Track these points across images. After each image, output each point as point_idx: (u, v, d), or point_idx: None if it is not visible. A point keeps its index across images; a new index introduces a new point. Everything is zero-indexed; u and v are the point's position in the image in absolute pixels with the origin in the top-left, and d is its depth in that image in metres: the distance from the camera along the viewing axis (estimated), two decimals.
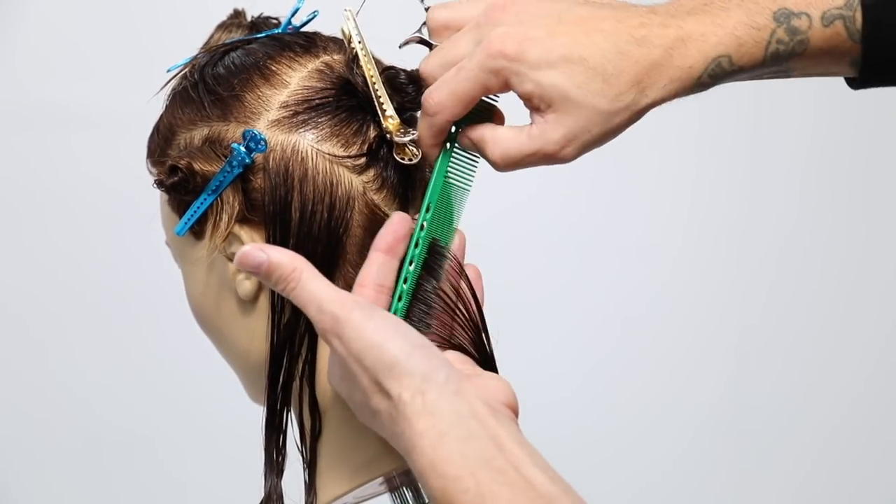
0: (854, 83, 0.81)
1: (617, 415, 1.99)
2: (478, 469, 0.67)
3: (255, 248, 0.74)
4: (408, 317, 0.79)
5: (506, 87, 0.76)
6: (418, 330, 0.75)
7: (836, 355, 2.03)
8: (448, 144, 0.81)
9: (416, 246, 0.80)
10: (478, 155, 0.81)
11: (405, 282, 0.79)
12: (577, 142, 0.75)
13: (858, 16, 0.75)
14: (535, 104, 0.76)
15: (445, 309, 0.79)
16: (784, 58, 0.76)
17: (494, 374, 0.76)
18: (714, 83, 0.77)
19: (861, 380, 2.02)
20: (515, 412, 0.73)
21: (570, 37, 0.75)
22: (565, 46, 0.74)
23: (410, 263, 0.79)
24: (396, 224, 0.80)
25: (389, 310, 0.78)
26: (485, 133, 0.79)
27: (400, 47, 0.83)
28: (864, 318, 2.03)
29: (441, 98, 0.77)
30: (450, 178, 0.81)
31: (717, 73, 0.76)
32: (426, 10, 0.83)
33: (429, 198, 0.80)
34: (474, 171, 0.82)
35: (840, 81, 0.83)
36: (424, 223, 0.80)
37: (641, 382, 1.98)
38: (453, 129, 0.81)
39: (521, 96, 0.77)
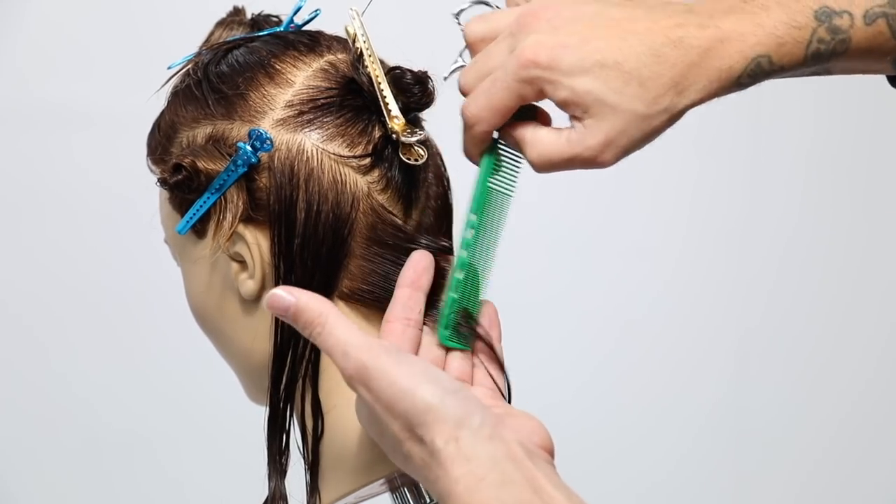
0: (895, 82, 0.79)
1: (618, 417, 1.98)
2: None
3: (283, 290, 0.71)
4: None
5: (541, 95, 0.74)
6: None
7: (837, 357, 2.02)
8: (490, 150, 0.79)
9: (461, 271, 0.78)
10: (520, 158, 0.79)
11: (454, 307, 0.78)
12: (616, 146, 0.73)
13: None
14: (572, 111, 0.74)
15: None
16: (825, 57, 0.74)
17: (527, 414, 0.74)
18: (753, 82, 0.74)
19: (862, 381, 2.02)
20: (551, 453, 0.71)
21: (605, 41, 0.72)
22: (599, 52, 0.72)
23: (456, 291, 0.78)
24: (417, 260, 0.79)
25: (439, 331, 0.78)
26: (525, 134, 0.76)
27: (445, 79, 0.82)
28: (865, 320, 2.03)
29: (477, 110, 0.75)
30: (493, 184, 0.79)
31: (757, 73, 0.73)
32: (461, 26, 0.81)
33: (474, 206, 0.78)
34: (517, 175, 0.80)
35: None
36: (472, 230, 0.79)
37: (642, 384, 1.97)
38: (496, 134, 0.79)
39: (557, 104, 0.74)
